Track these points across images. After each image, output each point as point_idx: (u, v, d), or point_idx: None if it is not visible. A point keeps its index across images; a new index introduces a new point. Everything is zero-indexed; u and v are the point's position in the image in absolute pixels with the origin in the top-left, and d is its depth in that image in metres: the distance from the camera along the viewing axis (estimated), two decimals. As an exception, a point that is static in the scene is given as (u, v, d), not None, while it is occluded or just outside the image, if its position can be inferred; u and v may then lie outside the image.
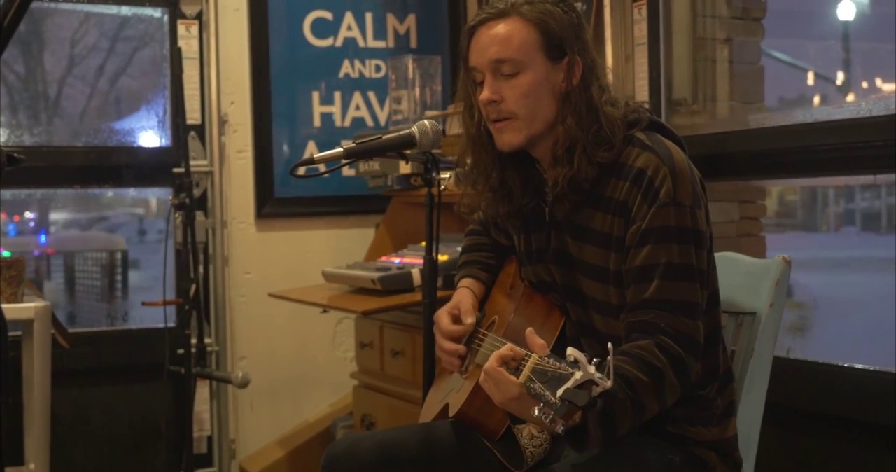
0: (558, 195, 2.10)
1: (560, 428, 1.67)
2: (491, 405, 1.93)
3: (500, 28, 2.10)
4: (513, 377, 1.78)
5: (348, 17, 4.61)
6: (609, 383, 1.62)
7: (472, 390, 2.11)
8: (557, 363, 1.69)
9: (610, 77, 2.30)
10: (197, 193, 4.24)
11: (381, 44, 4.67)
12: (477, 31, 2.13)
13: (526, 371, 1.73)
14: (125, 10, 4.54)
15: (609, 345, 1.65)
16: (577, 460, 1.99)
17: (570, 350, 1.65)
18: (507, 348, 1.84)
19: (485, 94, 2.11)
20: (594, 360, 1.64)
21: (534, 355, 1.77)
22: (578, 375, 1.62)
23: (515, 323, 2.15)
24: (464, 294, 2.35)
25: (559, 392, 1.63)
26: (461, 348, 2.26)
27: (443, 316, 2.30)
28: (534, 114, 2.10)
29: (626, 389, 1.84)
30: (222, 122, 4.41)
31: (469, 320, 2.27)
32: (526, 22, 2.09)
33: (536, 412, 1.67)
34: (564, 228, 2.15)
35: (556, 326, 2.18)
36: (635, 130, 2.10)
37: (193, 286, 3.98)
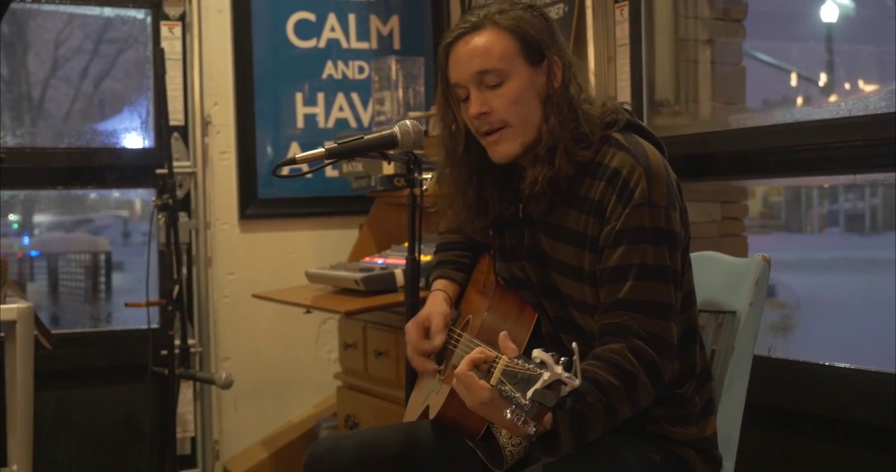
0: (536, 194, 2.10)
1: (532, 429, 1.68)
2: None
3: (478, 40, 2.09)
4: (483, 382, 1.78)
5: (331, 19, 4.62)
6: (577, 382, 1.62)
7: (449, 392, 2.12)
8: (527, 364, 1.69)
9: (592, 79, 2.31)
10: (180, 194, 4.23)
11: (364, 45, 4.67)
12: (454, 47, 2.12)
13: (496, 374, 1.74)
14: (108, 12, 4.54)
15: (574, 344, 1.65)
16: (558, 459, 2.00)
17: (535, 352, 1.65)
18: (478, 352, 1.84)
19: (473, 107, 2.10)
20: (562, 359, 1.64)
21: (503, 357, 1.77)
22: (546, 375, 1.63)
23: (489, 322, 2.16)
24: (436, 302, 2.33)
25: (529, 393, 1.63)
26: (431, 365, 2.26)
27: (413, 331, 2.29)
28: (525, 120, 2.09)
29: (597, 393, 1.85)
30: (205, 123, 4.41)
31: (438, 340, 2.25)
32: (502, 30, 2.09)
33: (509, 415, 1.67)
34: (538, 225, 2.15)
35: (529, 322, 2.18)
36: (612, 131, 2.11)
37: (177, 287, 3.97)
